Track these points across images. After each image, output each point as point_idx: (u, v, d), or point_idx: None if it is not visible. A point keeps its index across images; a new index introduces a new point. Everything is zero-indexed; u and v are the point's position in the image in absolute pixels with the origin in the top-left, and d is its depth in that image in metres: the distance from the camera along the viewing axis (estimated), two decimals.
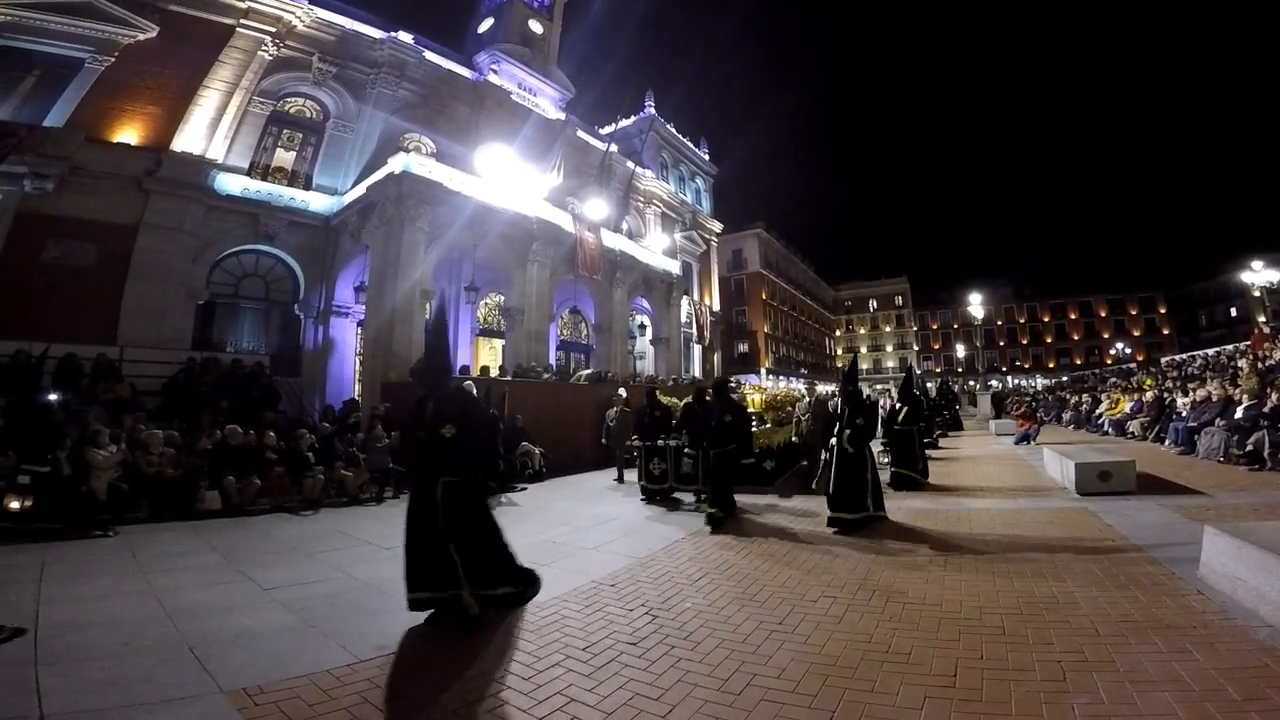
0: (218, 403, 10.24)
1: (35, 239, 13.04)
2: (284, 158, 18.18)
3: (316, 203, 17.99)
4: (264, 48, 16.92)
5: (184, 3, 15.70)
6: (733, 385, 12.73)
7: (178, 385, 10.84)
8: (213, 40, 16.19)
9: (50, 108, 13.97)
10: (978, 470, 10.84)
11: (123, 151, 14.58)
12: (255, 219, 16.59)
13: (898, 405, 10.10)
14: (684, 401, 9.38)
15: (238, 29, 16.47)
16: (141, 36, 14.97)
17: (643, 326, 28.01)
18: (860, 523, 6.18)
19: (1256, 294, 33.69)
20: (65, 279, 13.20)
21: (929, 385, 21.29)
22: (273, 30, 17.04)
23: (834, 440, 6.54)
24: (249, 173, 16.99)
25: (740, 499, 7.73)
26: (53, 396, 9.41)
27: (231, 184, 16.29)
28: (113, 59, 14.65)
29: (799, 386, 31.50)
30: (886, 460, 9.80)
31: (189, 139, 15.53)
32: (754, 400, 8.83)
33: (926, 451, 12.48)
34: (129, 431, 8.30)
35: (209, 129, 15.91)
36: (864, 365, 63.90)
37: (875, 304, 67.14)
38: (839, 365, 62.33)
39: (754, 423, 8.88)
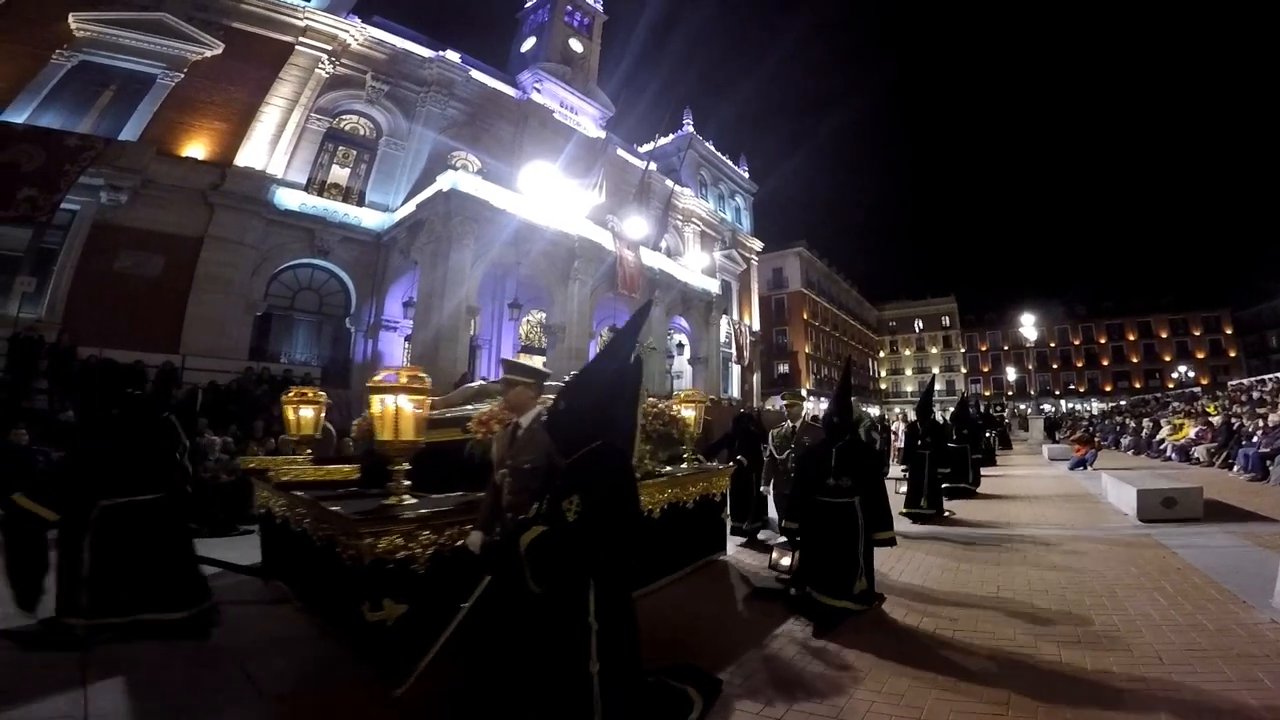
0: (271, 410, 10.61)
1: (109, 248, 13.88)
2: (339, 174, 18.96)
3: (369, 219, 18.65)
4: (321, 65, 17.79)
5: (247, 20, 16.69)
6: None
7: (231, 393, 11.29)
8: (273, 58, 17.12)
9: (125, 122, 14.92)
10: (1030, 509, 8.81)
11: (190, 165, 15.42)
12: (311, 234, 17.30)
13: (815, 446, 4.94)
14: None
15: (297, 46, 17.38)
16: (208, 53, 15.93)
17: (680, 345, 27.86)
18: None
19: None
20: (135, 288, 13.97)
21: (969, 408, 17.61)
22: (329, 48, 17.90)
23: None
24: (306, 188, 17.76)
25: None
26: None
27: (290, 199, 17.03)
28: (182, 75, 15.60)
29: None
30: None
31: (251, 154, 16.33)
32: None
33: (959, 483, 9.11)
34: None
35: (270, 145, 16.72)
36: (908, 388, 61.55)
37: (921, 324, 65.01)
38: (882, 387, 60.65)
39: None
